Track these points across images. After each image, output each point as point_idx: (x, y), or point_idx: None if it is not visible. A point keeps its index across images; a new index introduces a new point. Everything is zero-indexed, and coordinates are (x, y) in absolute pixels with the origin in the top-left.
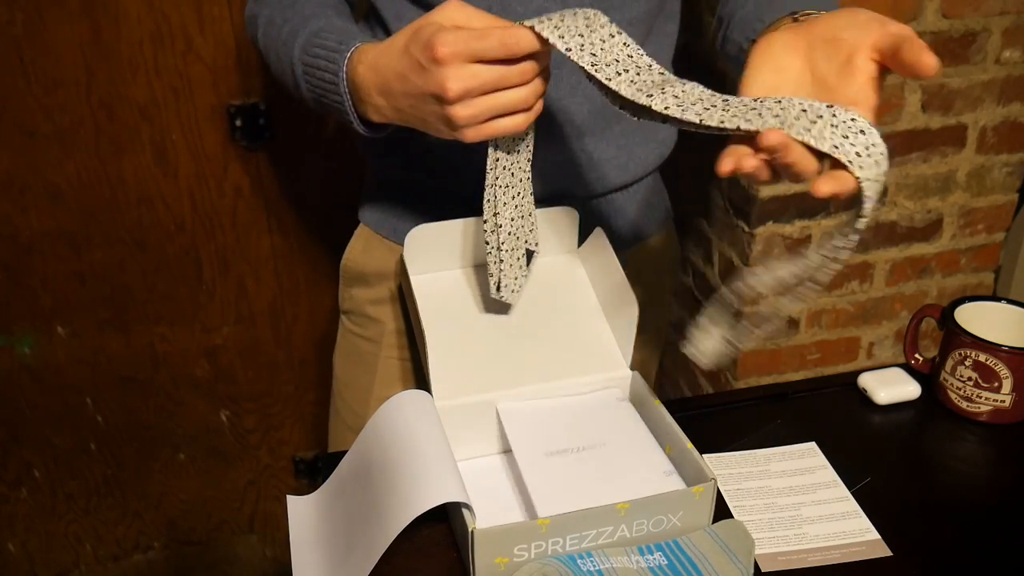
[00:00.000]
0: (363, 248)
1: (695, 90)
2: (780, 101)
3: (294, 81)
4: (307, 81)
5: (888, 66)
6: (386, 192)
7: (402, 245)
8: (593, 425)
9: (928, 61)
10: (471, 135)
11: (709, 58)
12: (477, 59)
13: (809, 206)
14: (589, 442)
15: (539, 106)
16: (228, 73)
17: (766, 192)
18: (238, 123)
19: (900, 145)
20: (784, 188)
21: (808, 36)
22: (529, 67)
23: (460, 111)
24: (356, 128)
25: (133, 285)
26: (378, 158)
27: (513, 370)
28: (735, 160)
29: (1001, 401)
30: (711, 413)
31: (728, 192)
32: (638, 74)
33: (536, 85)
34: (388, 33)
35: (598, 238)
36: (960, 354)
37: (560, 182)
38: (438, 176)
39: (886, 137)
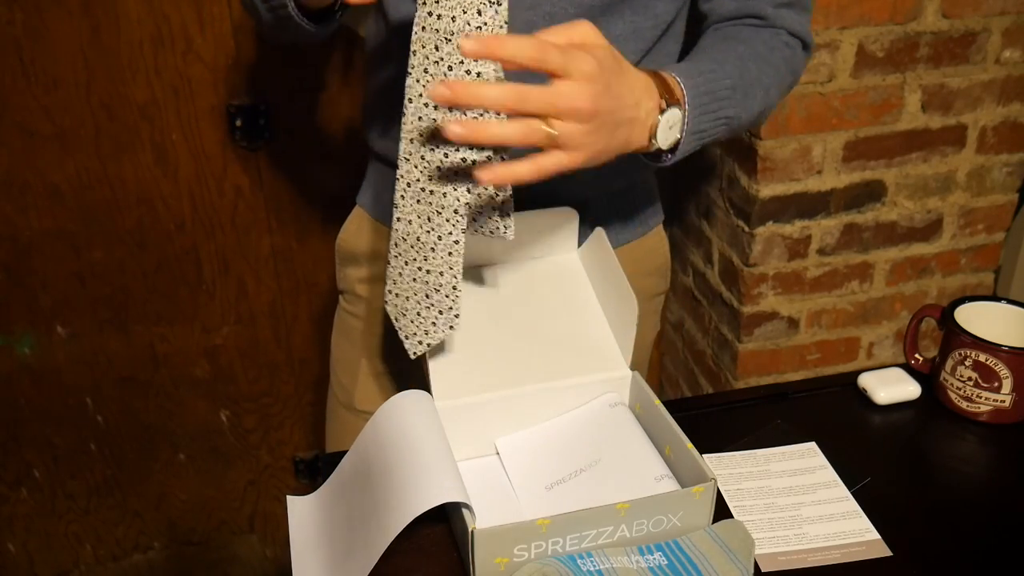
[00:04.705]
0: (356, 229)
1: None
2: None
3: None
4: None
5: None
6: (382, 175)
7: (391, 228)
8: (588, 442)
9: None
10: None
11: None
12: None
13: (809, 206)
14: (586, 462)
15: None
16: (228, 73)
17: (766, 192)
18: (238, 123)
19: (900, 145)
20: (784, 188)
21: None
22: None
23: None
24: (295, 17)
25: (133, 285)
26: (377, 139)
27: (513, 370)
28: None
29: (1001, 401)
30: (711, 413)
31: (728, 192)
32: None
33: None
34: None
35: (598, 238)
36: (960, 354)
37: (539, 184)
38: None
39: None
